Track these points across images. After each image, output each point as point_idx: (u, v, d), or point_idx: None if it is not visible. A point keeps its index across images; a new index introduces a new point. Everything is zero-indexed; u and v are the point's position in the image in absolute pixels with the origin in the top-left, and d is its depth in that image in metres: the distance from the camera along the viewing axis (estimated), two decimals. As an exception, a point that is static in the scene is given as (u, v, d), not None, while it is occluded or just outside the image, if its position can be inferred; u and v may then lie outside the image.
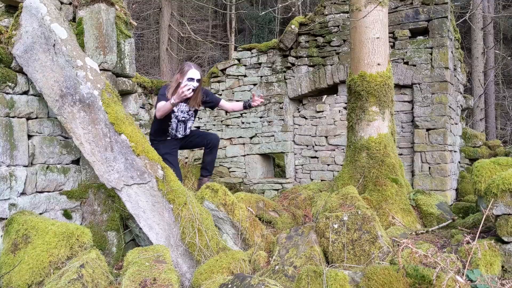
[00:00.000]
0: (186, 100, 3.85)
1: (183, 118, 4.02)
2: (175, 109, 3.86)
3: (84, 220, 3.35)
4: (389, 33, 6.04)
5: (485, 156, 7.18)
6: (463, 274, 2.07)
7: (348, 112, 4.11)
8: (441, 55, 6.21)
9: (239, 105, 4.30)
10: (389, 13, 5.49)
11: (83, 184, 3.39)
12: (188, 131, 4.16)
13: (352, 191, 3.09)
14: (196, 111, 4.12)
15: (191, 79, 3.76)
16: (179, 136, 4.10)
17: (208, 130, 8.37)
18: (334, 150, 7.04)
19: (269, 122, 7.46)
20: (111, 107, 3.02)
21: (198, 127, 8.53)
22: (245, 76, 7.76)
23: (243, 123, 7.87)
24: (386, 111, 3.88)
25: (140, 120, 7.71)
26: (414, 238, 2.89)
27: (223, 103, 4.29)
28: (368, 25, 3.81)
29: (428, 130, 6.33)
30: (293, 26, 7.26)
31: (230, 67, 7.86)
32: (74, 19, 3.44)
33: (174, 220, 2.94)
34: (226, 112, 7.75)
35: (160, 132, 4.03)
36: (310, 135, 7.19)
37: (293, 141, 7.37)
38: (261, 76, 7.51)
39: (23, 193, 2.97)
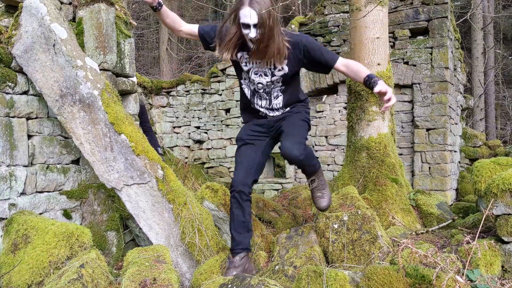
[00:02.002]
0: (254, 56, 2.49)
1: (261, 85, 2.61)
2: (244, 67, 2.58)
3: (84, 220, 3.35)
4: (389, 33, 6.04)
5: (485, 156, 7.19)
6: (463, 274, 2.07)
7: (348, 112, 4.11)
8: (441, 55, 6.21)
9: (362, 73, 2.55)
10: (389, 13, 5.50)
11: (83, 184, 3.38)
12: (279, 108, 2.70)
13: (352, 191, 3.09)
14: (291, 74, 2.57)
15: (245, 26, 2.34)
16: (267, 114, 2.73)
17: (208, 130, 8.37)
18: (334, 150, 7.04)
19: (269, 122, 7.46)
20: (111, 107, 3.02)
21: (198, 127, 8.51)
22: (245, 76, 7.77)
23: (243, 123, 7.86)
24: (386, 111, 3.88)
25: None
26: (414, 238, 2.89)
27: (340, 64, 2.53)
28: (368, 25, 3.81)
29: (428, 130, 6.33)
30: (293, 26, 7.25)
31: (230, 67, 7.87)
32: (74, 19, 3.44)
33: (174, 220, 2.94)
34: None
35: (242, 105, 2.84)
36: (310, 135, 7.19)
37: (293, 141, 7.37)
38: (261, 76, 7.51)
39: (23, 193, 2.97)
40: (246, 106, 2.79)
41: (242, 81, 2.70)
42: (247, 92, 2.71)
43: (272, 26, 2.31)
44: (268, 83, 2.59)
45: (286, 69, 2.53)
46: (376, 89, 2.39)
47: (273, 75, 2.55)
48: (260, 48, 2.37)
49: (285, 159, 2.57)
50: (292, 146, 2.51)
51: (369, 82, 2.46)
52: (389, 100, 2.39)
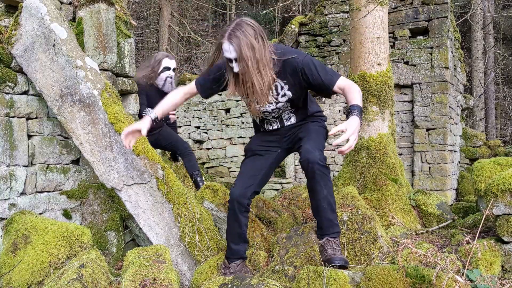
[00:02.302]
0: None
1: (267, 113, 2.50)
2: (245, 99, 2.46)
3: (84, 220, 3.35)
4: (389, 33, 6.04)
5: (485, 156, 7.19)
6: (463, 274, 2.07)
7: (348, 112, 4.11)
8: (441, 55, 6.21)
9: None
10: (389, 13, 5.50)
11: (83, 184, 3.38)
12: (291, 124, 2.57)
13: (352, 191, 3.09)
14: (297, 97, 2.42)
15: (229, 60, 2.26)
16: (281, 128, 2.59)
17: (208, 130, 8.36)
18: (334, 150, 7.04)
19: (269, 122, 7.46)
20: (111, 107, 3.02)
21: (198, 127, 8.51)
22: (245, 76, 7.76)
23: (243, 123, 7.87)
24: (386, 111, 3.88)
25: (140, 120, 7.71)
26: (414, 238, 2.89)
27: (337, 87, 2.30)
28: (368, 25, 3.81)
29: (428, 130, 6.33)
30: (293, 26, 7.26)
31: (230, 67, 7.87)
32: (74, 19, 3.44)
33: (174, 220, 2.94)
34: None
35: (253, 123, 2.78)
36: (310, 135, 7.18)
37: (293, 141, 7.36)
38: (261, 76, 7.50)
39: (23, 193, 2.97)
40: (257, 127, 2.69)
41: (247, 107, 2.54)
42: (255, 118, 2.59)
43: (258, 59, 2.15)
44: (274, 110, 2.45)
45: (289, 94, 2.37)
46: (334, 129, 2.06)
47: (277, 102, 2.40)
48: (244, 82, 2.23)
49: (304, 164, 2.28)
50: (314, 150, 2.26)
51: (347, 113, 2.22)
52: (346, 140, 2.04)
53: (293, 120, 2.53)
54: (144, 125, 2.41)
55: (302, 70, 2.28)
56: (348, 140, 2.04)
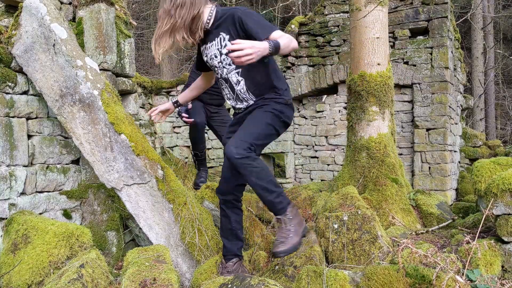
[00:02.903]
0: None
1: (216, 69, 2.52)
2: (204, 57, 2.55)
3: (84, 220, 3.35)
4: (389, 33, 6.04)
5: (485, 156, 7.18)
6: (463, 274, 2.07)
7: (348, 112, 4.11)
8: (441, 55, 6.21)
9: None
10: (389, 13, 5.50)
11: (83, 184, 3.38)
12: (246, 97, 2.48)
13: (352, 191, 3.09)
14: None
15: None
16: (235, 106, 2.57)
17: (208, 130, 8.35)
18: (334, 150, 7.04)
19: (269, 122, 7.44)
20: (111, 107, 3.02)
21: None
22: (245, 76, 7.75)
23: (243, 123, 7.85)
24: (386, 111, 3.88)
25: (140, 120, 7.72)
26: (414, 238, 2.89)
27: (274, 38, 2.23)
28: (368, 25, 3.81)
29: (428, 130, 6.33)
30: (293, 26, 7.25)
31: (230, 67, 7.86)
32: (74, 19, 3.44)
33: (174, 220, 2.94)
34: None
35: None
36: (310, 135, 7.19)
37: (293, 141, 7.38)
38: (261, 76, 7.50)
39: (23, 193, 2.97)
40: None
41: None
42: (217, 79, 2.61)
43: (166, 18, 2.30)
44: (219, 64, 2.45)
45: (230, 45, 2.30)
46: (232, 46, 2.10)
47: (221, 54, 2.43)
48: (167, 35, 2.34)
49: (227, 156, 2.29)
50: (232, 143, 2.26)
51: None
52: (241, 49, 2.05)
53: (242, 85, 2.45)
54: (162, 106, 2.80)
55: (239, 20, 2.34)
56: (242, 52, 2.05)
